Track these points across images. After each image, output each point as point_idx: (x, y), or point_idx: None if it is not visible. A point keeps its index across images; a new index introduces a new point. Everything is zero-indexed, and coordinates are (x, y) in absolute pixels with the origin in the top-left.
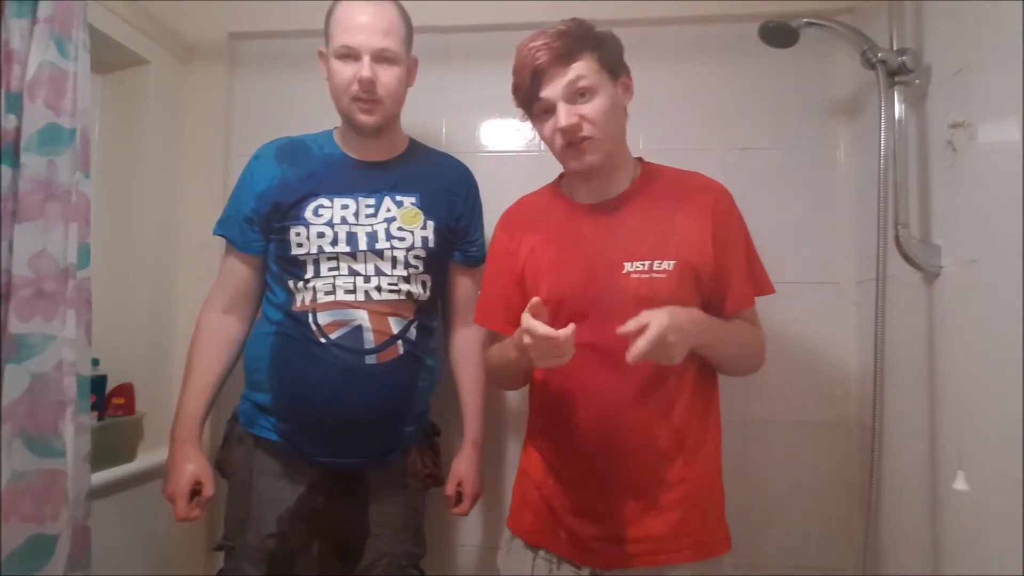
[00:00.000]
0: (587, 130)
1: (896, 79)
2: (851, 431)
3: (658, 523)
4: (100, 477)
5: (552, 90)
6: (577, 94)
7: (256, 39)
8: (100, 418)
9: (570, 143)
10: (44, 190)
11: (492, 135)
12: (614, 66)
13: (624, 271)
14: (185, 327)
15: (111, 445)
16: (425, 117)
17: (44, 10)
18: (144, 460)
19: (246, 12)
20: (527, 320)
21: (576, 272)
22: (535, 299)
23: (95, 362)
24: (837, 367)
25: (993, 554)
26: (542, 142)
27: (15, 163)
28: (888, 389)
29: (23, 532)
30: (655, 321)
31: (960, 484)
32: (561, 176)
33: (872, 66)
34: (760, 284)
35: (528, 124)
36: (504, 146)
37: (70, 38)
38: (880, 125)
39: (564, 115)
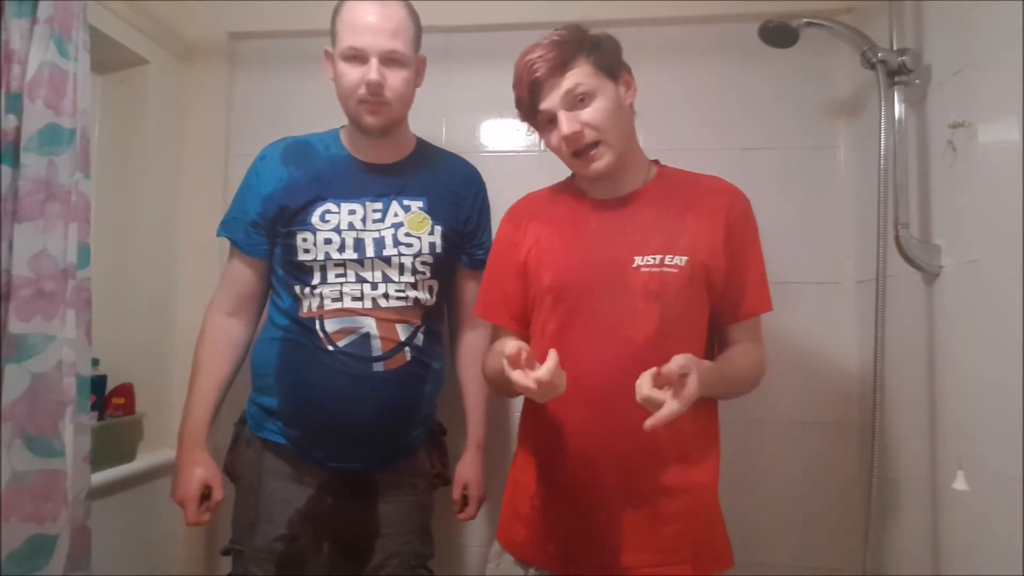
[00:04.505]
0: (590, 136)
1: (896, 79)
2: (851, 431)
3: (657, 534)
4: (100, 477)
5: (551, 101)
6: (576, 100)
7: (256, 39)
8: (100, 418)
9: (577, 151)
10: (44, 190)
11: (492, 135)
12: (612, 67)
13: (634, 264)
14: (185, 327)
15: (111, 445)
16: (425, 117)
17: (44, 10)
18: (144, 460)
19: (246, 12)
20: (512, 374)
21: (582, 263)
22: (512, 347)
23: (95, 362)
24: (837, 367)
25: (993, 554)
26: (542, 142)
27: (15, 163)
28: (888, 389)
29: (23, 532)
30: (693, 379)
31: (960, 484)
32: (573, 174)
33: (872, 66)
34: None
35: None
36: (504, 146)
37: (70, 38)
38: (880, 125)
39: (566, 123)
